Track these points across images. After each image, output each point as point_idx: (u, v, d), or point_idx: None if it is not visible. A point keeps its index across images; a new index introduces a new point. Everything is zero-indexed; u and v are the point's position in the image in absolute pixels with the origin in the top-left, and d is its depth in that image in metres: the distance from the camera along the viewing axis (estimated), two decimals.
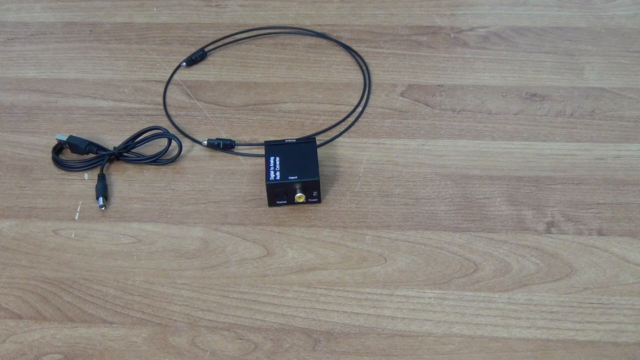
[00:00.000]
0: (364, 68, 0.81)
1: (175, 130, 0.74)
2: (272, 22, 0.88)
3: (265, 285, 0.60)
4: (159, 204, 0.67)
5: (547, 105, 0.75)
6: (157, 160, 0.70)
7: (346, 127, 0.74)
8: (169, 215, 0.66)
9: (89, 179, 0.70)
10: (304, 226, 0.65)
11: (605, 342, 0.56)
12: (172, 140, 0.70)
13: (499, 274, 0.60)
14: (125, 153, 0.71)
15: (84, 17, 0.90)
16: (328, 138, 0.73)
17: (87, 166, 0.70)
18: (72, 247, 0.64)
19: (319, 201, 0.66)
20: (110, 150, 0.71)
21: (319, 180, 0.64)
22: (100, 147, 0.71)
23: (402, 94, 0.77)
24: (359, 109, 0.76)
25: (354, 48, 0.83)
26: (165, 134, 0.70)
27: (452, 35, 0.85)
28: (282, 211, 0.66)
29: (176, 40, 0.86)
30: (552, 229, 0.64)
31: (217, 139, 0.72)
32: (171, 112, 0.76)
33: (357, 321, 0.58)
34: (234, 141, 0.72)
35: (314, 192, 0.65)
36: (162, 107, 0.77)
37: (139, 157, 0.71)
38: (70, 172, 0.70)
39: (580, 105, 0.75)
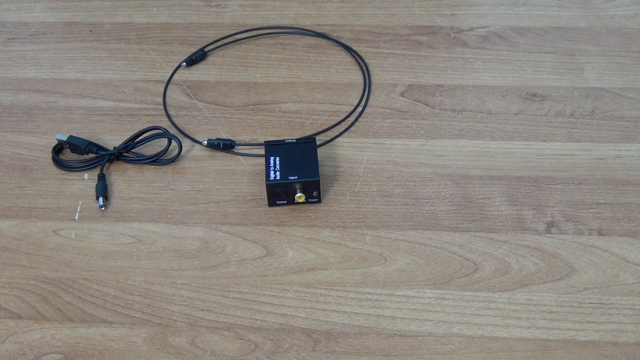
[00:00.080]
0: (364, 68, 0.81)
1: (175, 130, 0.74)
2: (272, 22, 0.88)
3: (265, 285, 0.60)
4: (159, 204, 0.67)
5: (547, 105, 0.75)
6: (157, 160, 0.70)
7: (346, 127, 0.74)
8: (169, 215, 0.66)
9: (89, 179, 0.70)
10: (304, 226, 0.65)
11: (605, 342, 0.56)
12: (172, 140, 0.70)
13: (499, 274, 0.60)
14: (125, 153, 0.71)
15: (84, 17, 0.90)
16: (328, 138, 0.73)
17: (87, 166, 0.70)
18: (72, 247, 0.64)
19: (319, 201, 0.66)
20: (110, 150, 0.71)
21: (319, 180, 0.64)
22: (100, 147, 0.71)
23: (402, 94, 0.77)
24: (359, 109, 0.76)
25: (354, 48, 0.83)
26: (165, 134, 0.70)
27: (452, 35, 0.85)
28: (282, 211, 0.66)
29: (176, 40, 0.86)
30: (552, 229, 0.64)
31: (217, 139, 0.72)
32: (171, 112, 0.76)
33: (357, 321, 0.58)
34: (234, 141, 0.72)
35: (314, 192, 0.65)
36: (162, 107, 0.77)
37: (139, 157, 0.71)
38: (70, 172, 0.70)
39: (580, 105, 0.75)
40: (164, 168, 0.70)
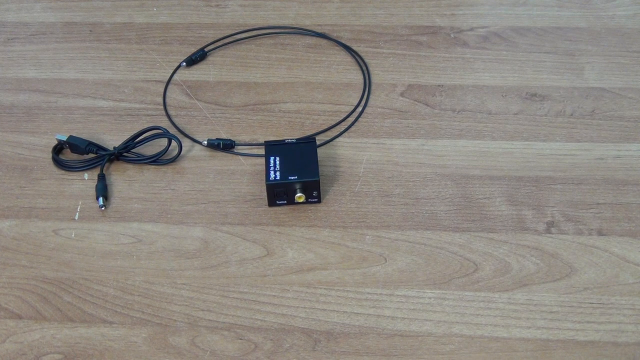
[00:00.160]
0: (364, 68, 0.81)
1: (175, 130, 0.74)
2: (272, 22, 0.88)
3: (265, 285, 0.60)
4: (159, 204, 0.67)
5: (547, 105, 0.75)
6: (157, 160, 0.70)
7: (346, 127, 0.74)
8: (169, 215, 0.66)
9: (89, 179, 0.70)
10: (304, 226, 0.65)
11: (605, 342, 0.56)
12: (172, 140, 0.70)
13: (499, 274, 0.60)
14: (125, 153, 0.71)
15: (84, 17, 0.90)
16: (328, 138, 0.73)
17: (87, 166, 0.70)
18: (72, 247, 0.64)
19: (319, 201, 0.66)
20: (110, 150, 0.71)
21: (319, 180, 0.64)
22: (100, 147, 0.71)
23: (402, 94, 0.77)
24: (359, 109, 0.76)
25: (354, 48, 0.83)
26: (165, 134, 0.70)
27: (452, 35, 0.85)
28: (282, 211, 0.66)
29: (176, 40, 0.86)
30: (552, 229, 0.64)
31: (217, 139, 0.72)
32: (171, 112, 0.76)
33: (357, 321, 0.58)
34: (234, 141, 0.72)
35: (314, 192, 0.65)
36: (162, 107, 0.77)
37: (139, 157, 0.71)
38: (70, 172, 0.70)
39: (580, 105, 0.75)
40: (164, 168, 0.70)
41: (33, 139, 0.74)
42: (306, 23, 0.87)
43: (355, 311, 0.58)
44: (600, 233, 0.63)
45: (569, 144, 0.71)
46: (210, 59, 0.83)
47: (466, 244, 0.63)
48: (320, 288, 0.60)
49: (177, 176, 0.70)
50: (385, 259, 0.62)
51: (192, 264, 0.62)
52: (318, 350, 0.56)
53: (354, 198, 0.67)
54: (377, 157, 0.71)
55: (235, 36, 0.86)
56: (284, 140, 0.68)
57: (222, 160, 0.71)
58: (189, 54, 0.83)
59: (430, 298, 0.59)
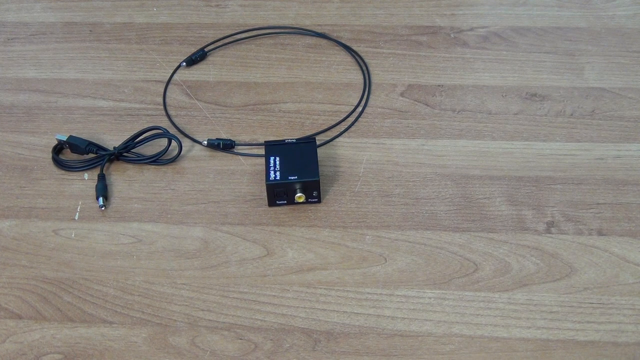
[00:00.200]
0: (364, 68, 0.81)
1: (175, 130, 0.74)
2: (272, 22, 0.88)
3: (265, 285, 0.60)
4: (159, 204, 0.67)
5: (547, 105, 0.75)
6: (157, 160, 0.70)
7: (346, 127, 0.74)
8: (169, 215, 0.66)
9: (89, 179, 0.70)
10: (304, 226, 0.65)
11: (605, 342, 0.56)
12: (172, 140, 0.70)
13: (499, 274, 0.60)
14: (125, 153, 0.71)
15: (84, 17, 0.90)
16: (328, 138, 0.73)
17: (87, 166, 0.70)
18: (72, 247, 0.64)
19: (319, 201, 0.66)
20: (110, 150, 0.71)
21: (319, 180, 0.64)
22: (100, 147, 0.71)
23: (402, 94, 0.77)
24: (359, 109, 0.76)
25: (354, 48, 0.83)
26: (165, 134, 0.70)
27: (452, 35, 0.85)
28: (282, 211, 0.66)
29: (176, 40, 0.86)
30: (552, 229, 0.64)
31: (217, 139, 0.72)
32: (171, 112, 0.76)
33: (357, 321, 0.58)
34: (234, 141, 0.72)
35: (314, 192, 0.65)
36: (162, 107, 0.77)
37: (139, 157, 0.71)
38: (70, 172, 0.70)
39: (580, 105, 0.75)
40: (164, 168, 0.70)
41: (33, 139, 0.74)
42: (306, 23, 0.87)
43: (355, 311, 0.58)
44: (600, 233, 0.63)
45: (569, 144, 0.71)
46: (210, 59, 0.83)
47: (466, 244, 0.63)
48: (320, 288, 0.60)
49: (177, 176, 0.70)
50: (385, 259, 0.62)
51: (192, 264, 0.62)
52: (318, 350, 0.56)
53: (354, 198, 0.67)
54: (377, 157, 0.71)
55: (235, 36, 0.86)
56: (284, 140, 0.68)
57: (222, 160, 0.71)
58: (189, 54, 0.83)
59: (430, 298, 0.59)
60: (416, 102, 0.76)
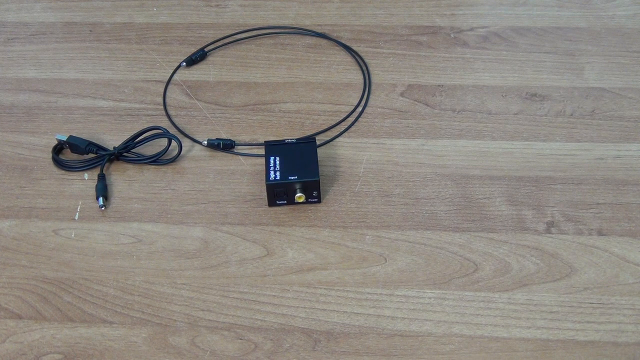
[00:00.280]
0: (364, 68, 0.81)
1: (175, 130, 0.74)
2: (272, 22, 0.88)
3: (265, 285, 0.60)
4: (159, 204, 0.67)
5: (547, 105, 0.75)
6: (157, 160, 0.70)
7: (346, 127, 0.74)
8: (169, 215, 0.66)
9: (89, 179, 0.70)
10: (304, 226, 0.65)
11: (605, 342, 0.56)
12: (172, 140, 0.70)
13: (499, 274, 0.60)
14: (125, 153, 0.71)
15: (84, 17, 0.90)
16: (328, 138, 0.73)
17: (87, 166, 0.70)
18: (72, 247, 0.64)
19: (319, 201, 0.66)
20: (110, 150, 0.71)
21: (319, 180, 0.64)
22: (100, 147, 0.71)
23: (402, 94, 0.77)
24: (359, 109, 0.76)
25: (354, 48, 0.83)
26: (165, 134, 0.70)
27: (452, 35, 0.85)
28: (282, 211, 0.66)
29: (176, 40, 0.86)
30: (552, 229, 0.64)
31: (217, 139, 0.72)
32: (171, 112, 0.76)
33: (357, 321, 0.58)
34: (234, 141, 0.72)
35: (314, 192, 0.65)
36: (162, 107, 0.77)
37: (139, 157, 0.71)
38: (70, 172, 0.70)
39: (580, 105, 0.75)
40: (164, 168, 0.70)
41: (33, 139, 0.74)
42: (306, 23, 0.87)
43: (355, 311, 0.58)
44: (600, 233, 0.63)
45: (569, 144, 0.71)
46: (210, 59, 0.83)
47: (466, 244, 0.63)
48: (320, 288, 0.60)
49: (177, 176, 0.70)
50: (385, 259, 0.62)
51: (192, 264, 0.62)
52: (318, 350, 0.56)
53: (354, 198, 0.67)
54: (377, 157, 0.71)
55: (235, 36, 0.86)
56: (284, 140, 0.68)
57: (222, 160, 0.71)
58: (189, 54, 0.83)
59: (430, 298, 0.59)
60: (416, 102, 0.76)
